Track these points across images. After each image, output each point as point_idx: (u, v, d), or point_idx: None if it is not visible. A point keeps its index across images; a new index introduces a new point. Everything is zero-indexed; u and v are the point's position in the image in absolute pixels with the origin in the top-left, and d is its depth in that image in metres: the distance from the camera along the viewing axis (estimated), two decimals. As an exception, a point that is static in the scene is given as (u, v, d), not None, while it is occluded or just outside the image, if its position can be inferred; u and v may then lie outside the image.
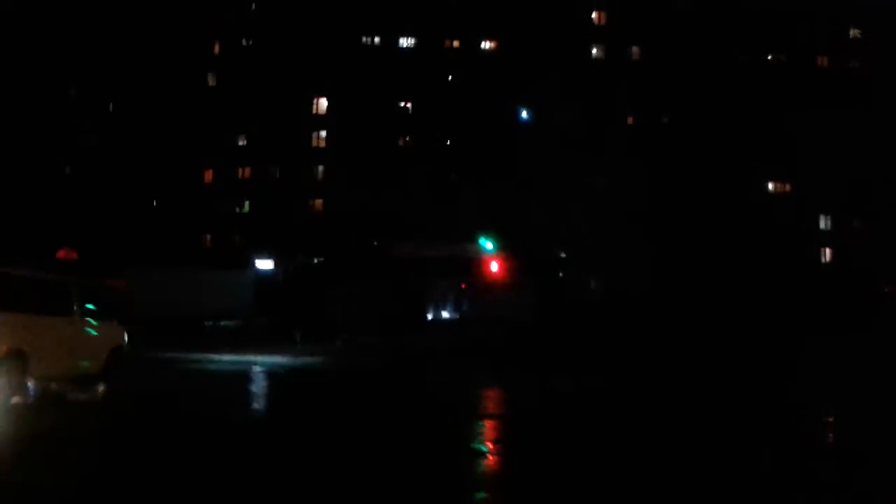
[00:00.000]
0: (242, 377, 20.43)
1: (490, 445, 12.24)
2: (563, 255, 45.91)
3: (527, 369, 23.02)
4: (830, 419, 15.02)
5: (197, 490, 8.22)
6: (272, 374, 21.36)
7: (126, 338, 16.22)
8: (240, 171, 52.75)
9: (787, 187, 54.43)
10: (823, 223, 54.57)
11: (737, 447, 11.46)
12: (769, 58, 55.10)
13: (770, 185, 54.52)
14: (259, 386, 19.95)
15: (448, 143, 51.50)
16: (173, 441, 10.66)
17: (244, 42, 53.30)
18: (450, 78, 53.08)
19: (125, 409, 13.70)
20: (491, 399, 17.85)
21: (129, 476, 8.55)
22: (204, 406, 14.63)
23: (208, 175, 52.55)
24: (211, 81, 53.14)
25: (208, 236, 51.38)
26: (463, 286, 33.69)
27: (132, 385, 15.67)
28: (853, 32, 56.23)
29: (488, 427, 13.98)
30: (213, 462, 9.52)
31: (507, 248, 36.79)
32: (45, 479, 8.20)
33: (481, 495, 8.91)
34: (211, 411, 13.76)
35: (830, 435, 13.66)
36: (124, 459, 9.35)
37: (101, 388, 14.74)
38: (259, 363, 22.97)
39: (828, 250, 54.24)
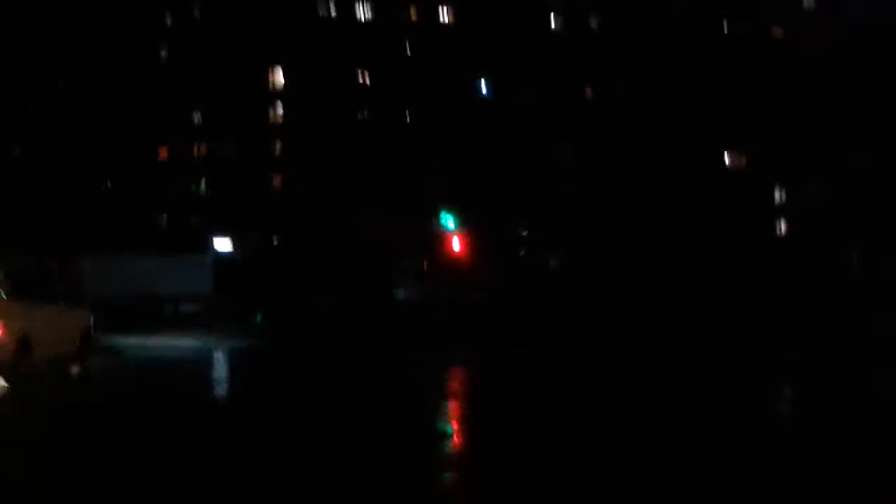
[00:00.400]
0: (199, 361, 20.19)
1: (455, 425, 12.24)
2: (524, 231, 46.14)
3: (488, 346, 23.12)
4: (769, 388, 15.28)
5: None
6: (233, 358, 21.14)
7: (92, 322, 17.35)
8: (195, 148, 51.82)
9: (744, 160, 55.02)
10: (779, 195, 55.33)
11: (681, 412, 11.61)
12: (726, 29, 55.47)
13: (727, 158, 55.06)
14: (220, 370, 19.75)
15: (408, 117, 51.10)
16: (142, 419, 11.23)
17: (196, 14, 52.16)
18: (408, 50, 52.59)
19: (97, 387, 15.15)
20: (454, 378, 17.87)
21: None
22: (163, 388, 14.59)
23: (162, 153, 51.58)
24: (163, 55, 52.02)
25: (164, 216, 50.49)
26: (425, 264, 33.69)
27: (98, 367, 16.81)
28: (807, 3, 56.73)
29: (452, 406, 14.00)
30: (173, 439, 9.82)
31: (468, 224, 36.84)
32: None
33: (447, 475, 8.95)
34: (170, 393, 13.70)
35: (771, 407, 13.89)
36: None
37: (76, 369, 15.96)
38: (219, 347, 22.71)
39: (783, 221, 55.08)
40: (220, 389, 16.50)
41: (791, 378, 16.72)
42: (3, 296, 13.55)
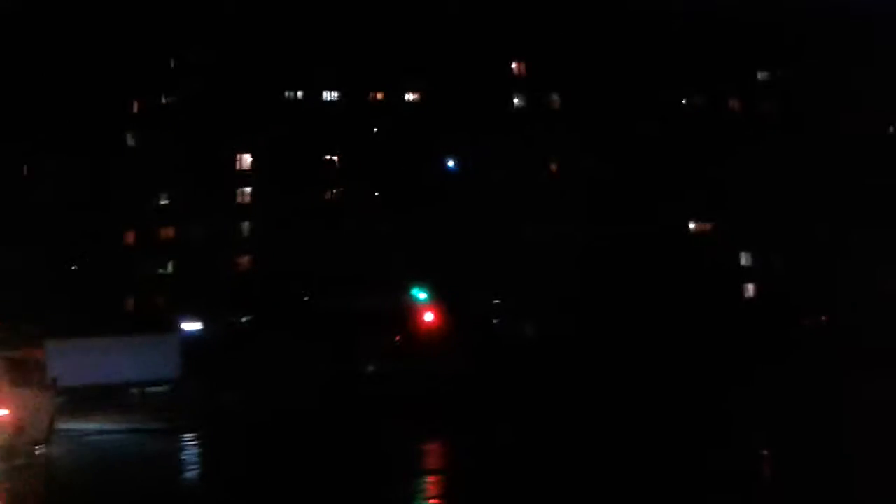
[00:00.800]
0: (163, 448, 19.61)
1: (433, 502, 11.96)
2: (496, 301, 46.14)
3: (465, 421, 22.75)
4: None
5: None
6: (200, 442, 20.58)
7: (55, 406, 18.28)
8: (162, 231, 51.49)
9: (709, 226, 55.88)
10: (745, 259, 56.11)
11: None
12: (683, 102, 56.98)
13: (692, 225, 55.91)
14: (182, 456, 19.18)
15: (376, 194, 51.41)
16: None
17: (164, 100, 52.51)
18: (375, 130, 53.24)
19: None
20: (431, 453, 17.55)
21: None
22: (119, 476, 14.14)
23: (130, 236, 51.17)
24: (130, 141, 52.09)
25: (131, 299, 49.79)
26: (397, 338, 33.41)
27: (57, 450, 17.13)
28: (761, 75, 58.62)
29: (430, 483, 13.70)
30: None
31: (440, 297, 36.72)
32: None
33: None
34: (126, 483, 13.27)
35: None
36: None
37: (41, 450, 16.60)
38: (180, 430, 22.05)
39: (750, 286, 55.68)
40: (182, 475, 16.03)
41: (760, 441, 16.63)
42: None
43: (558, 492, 11.81)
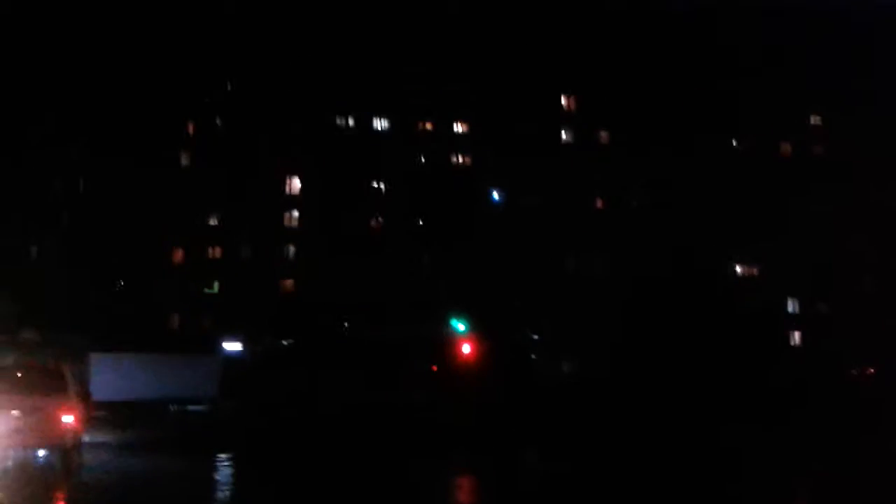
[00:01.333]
0: (195, 469, 19.80)
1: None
2: (535, 336, 45.92)
3: (501, 454, 22.63)
4: None
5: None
6: (235, 464, 20.77)
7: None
8: (210, 250, 52.36)
9: (755, 270, 55.11)
10: (792, 307, 55.15)
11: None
12: (734, 143, 56.53)
13: (738, 268, 55.19)
14: (215, 476, 19.36)
15: (421, 223, 51.74)
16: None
17: (218, 122, 53.63)
18: (423, 159, 53.70)
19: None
20: (465, 487, 17.48)
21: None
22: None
23: (178, 255, 52.11)
24: (184, 161, 53.20)
25: (176, 317, 50.58)
26: (434, 368, 33.39)
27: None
28: (814, 119, 57.97)
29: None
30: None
31: (479, 329, 36.67)
32: None
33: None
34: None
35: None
36: None
37: (77, 460, 15.93)
38: (215, 453, 22.25)
39: (797, 333, 54.66)
40: (214, 495, 16.17)
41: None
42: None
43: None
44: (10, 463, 15.12)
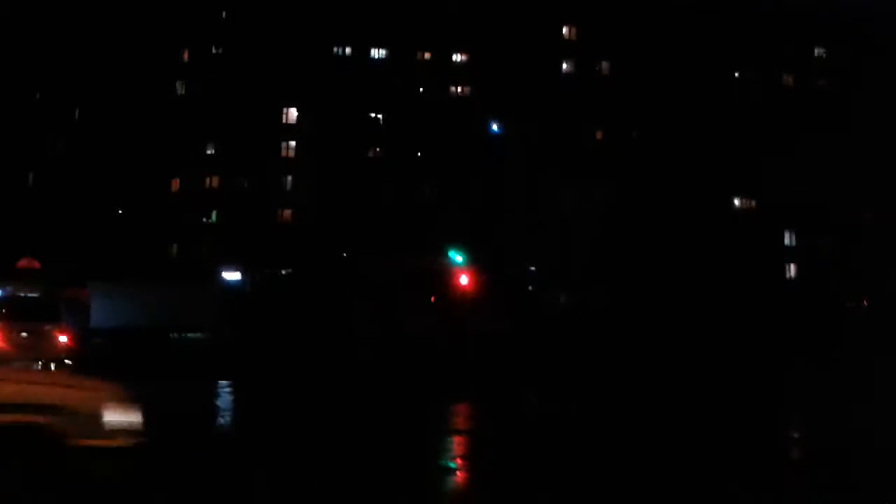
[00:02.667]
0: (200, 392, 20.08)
1: (459, 462, 12.15)
2: (532, 268, 46.11)
3: (496, 383, 22.93)
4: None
5: None
6: (236, 389, 21.05)
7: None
8: (207, 180, 52.21)
9: (753, 203, 55.08)
10: (788, 239, 55.30)
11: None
12: (737, 75, 55.87)
13: (736, 201, 55.15)
14: (220, 400, 19.65)
15: (419, 155, 51.45)
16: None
17: (214, 50, 52.91)
18: (421, 90, 53.10)
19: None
20: (460, 414, 17.74)
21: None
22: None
23: (175, 184, 51.97)
24: (179, 90, 52.65)
25: (175, 246, 50.70)
26: (432, 299, 33.54)
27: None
28: (818, 51, 57.24)
29: (457, 443, 13.89)
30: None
31: (477, 261, 36.74)
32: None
33: None
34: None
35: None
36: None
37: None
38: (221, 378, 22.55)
39: (792, 266, 54.94)
40: (215, 421, 16.43)
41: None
42: None
43: (580, 457, 11.93)
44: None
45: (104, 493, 6.50)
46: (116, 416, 6.52)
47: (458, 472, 11.23)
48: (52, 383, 6.88)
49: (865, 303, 46.85)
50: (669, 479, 10.44)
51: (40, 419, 6.14)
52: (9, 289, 25.41)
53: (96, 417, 6.40)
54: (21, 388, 6.45)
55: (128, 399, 6.72)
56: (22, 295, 22.62)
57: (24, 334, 18.44)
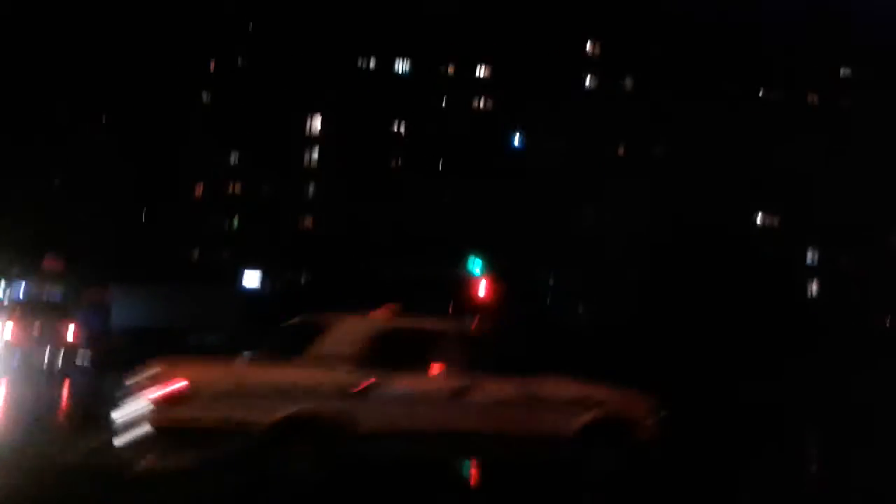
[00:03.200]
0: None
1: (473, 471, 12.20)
2: (551, 281, 46.09)
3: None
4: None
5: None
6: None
7: None
8: (230, 186, 52.74)
9: (776, 221, 54.77)
10: (811, 257, 54.91)
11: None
12: (760, 94, 55.72)
13: (758, 219, 54.86)
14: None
15: (440, 166, 51.67)
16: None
17: (240, 61, 53.53)
18: (444, 103, 53.40)
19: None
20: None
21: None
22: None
23: (199, 190, 52.51)
24: (205, 99, 53.28)
25: (196, 251, 51.19)
26: (450, 307, 33.57)
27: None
28: (843, 71, 56.98)
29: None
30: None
31: (495, 271, 36.76)
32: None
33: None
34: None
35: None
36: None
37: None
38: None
39: (814, 284, 54.54)
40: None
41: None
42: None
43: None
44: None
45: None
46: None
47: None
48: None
49: (889, 321, 46.41)
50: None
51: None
52: (31, 286, 26.19)
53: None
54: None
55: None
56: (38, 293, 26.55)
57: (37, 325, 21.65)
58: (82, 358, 21.74)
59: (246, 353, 9.60)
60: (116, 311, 26.14)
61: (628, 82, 55.11)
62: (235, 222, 52.44)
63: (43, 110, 45.46)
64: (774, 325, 40.34)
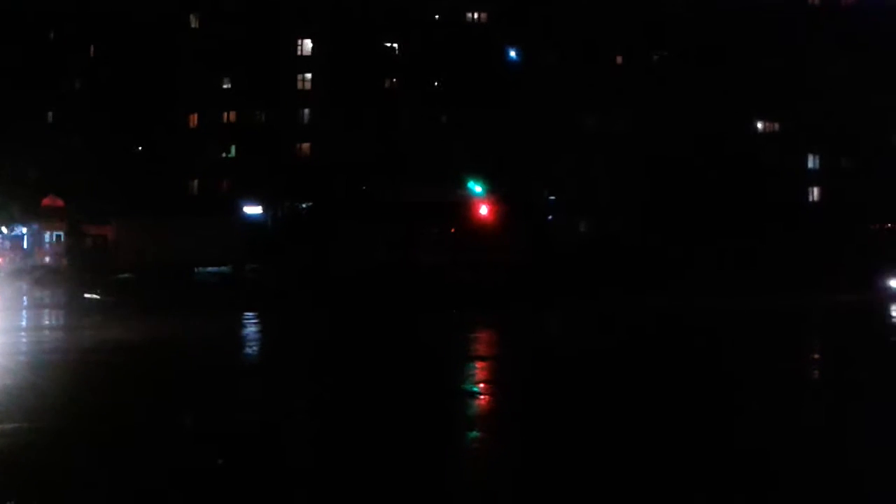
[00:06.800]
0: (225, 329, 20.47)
1: (481, 386, 12.44)
2: (552, 197, 45.99)
3: (515, 311, 23.20)
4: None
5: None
6: (263, 319, 21.45)
7: None
8: (225, 114, 51.91)
9: (776, 126, 54.13)
10: (812, 162, 54.50)
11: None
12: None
13: (759, 125, 54.21)
14: (247, 330, 20.04)
15: (436, 84, 50.83)
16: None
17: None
18: (436, 17, 52.18)
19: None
20: (481, 341, 18.05)
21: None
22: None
23: (193, 119, 51.79)
24: (193, 23, 52.03)
25: (195, 182, 50.85)
26: (452, 230, 33.74)
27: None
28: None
29: (479, 368, 14.19)
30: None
31: (496, 191, 36.76)
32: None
33: (474, 434, 9.17)
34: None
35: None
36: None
37: None
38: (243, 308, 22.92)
39: (816, 189, 54.27)
40: (244, 351, 16.81)
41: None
42: None
43: (595, 387, 12.17)
44: None
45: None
46: None
47: (480, 396, 11.50)
48: None
49: (889, 226, 46.44)
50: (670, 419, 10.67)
51: None
52: (35, 226, 25.92)
53: None
54: None
55: None
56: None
57: None
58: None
59: None
60: (120, 248, 26.29)
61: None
62: (233, 150, 51.93)
63: (30, 45, 44.59)
64: (773, 230, 40.39)
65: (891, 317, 22.97)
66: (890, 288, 27.69)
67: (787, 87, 49.56)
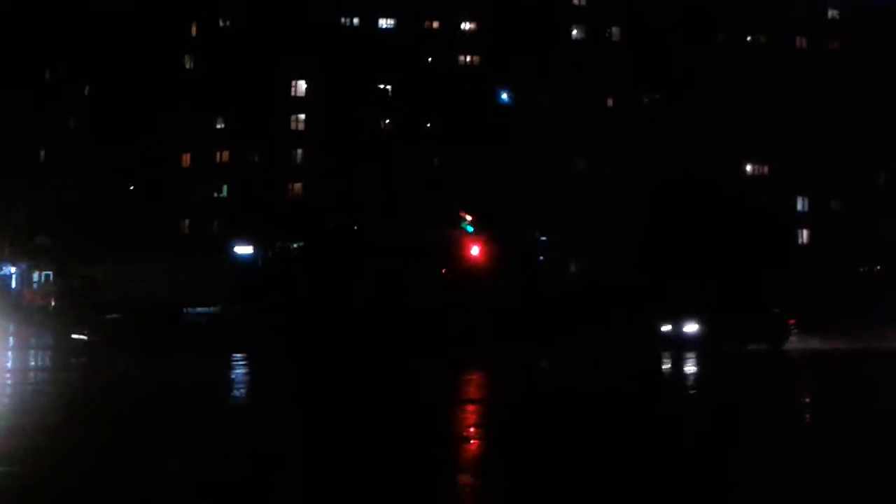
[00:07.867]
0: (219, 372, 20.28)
1: (472, 430, 12.31)
2: (543, 238, 46.07)
3: (506, 354, 23.07)
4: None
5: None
6: (250, 361, 21.26)
7: None
8: (218, 154, 52.04)
9: (766, 169, 54.57)
10: (801, 205, 54.86)
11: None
12: (749, 38, 55.09)
13: (748, 168, 54.64)
14: (235, 373, 19.85)
15: (429, 125, 51.17)
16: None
17: (222, 23, 52.52)
18: (430, 59, 52.69)
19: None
20: (472, 383, 17.91)
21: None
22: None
23: (186, 159, 51.88)
24: (188, 64, 52.41)
25: (186, 221, 50.77)
26: (444, 271, 33.66)
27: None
28: (831, 13, 56.31)
29: (470, 412, 14.05)
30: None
31: (488, 231, 36.75)
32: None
33: (463, 478, 9.07)
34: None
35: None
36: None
37: None
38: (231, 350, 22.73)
39: (805, 231, 54.57)
40: (231, 394, 16.65)
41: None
42: None
43: (589, 429, 12.05)
44: None
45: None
46: None
47: (471, 440, 11.38)
48: None
49: (878, 268, 46.62)
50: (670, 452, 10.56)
51: None
52: (23, 266, 25.73)
53: None
54: None
55: None
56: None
57: None
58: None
59: None
60: (110, 288, 26.13)
61: (615, 32, 54.41)
62: (224, 190, 51.98)
63: (24, 83, 44.80)
64: (765, 274, 40.47)
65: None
66: None
67: (775, 131, 50.11)
